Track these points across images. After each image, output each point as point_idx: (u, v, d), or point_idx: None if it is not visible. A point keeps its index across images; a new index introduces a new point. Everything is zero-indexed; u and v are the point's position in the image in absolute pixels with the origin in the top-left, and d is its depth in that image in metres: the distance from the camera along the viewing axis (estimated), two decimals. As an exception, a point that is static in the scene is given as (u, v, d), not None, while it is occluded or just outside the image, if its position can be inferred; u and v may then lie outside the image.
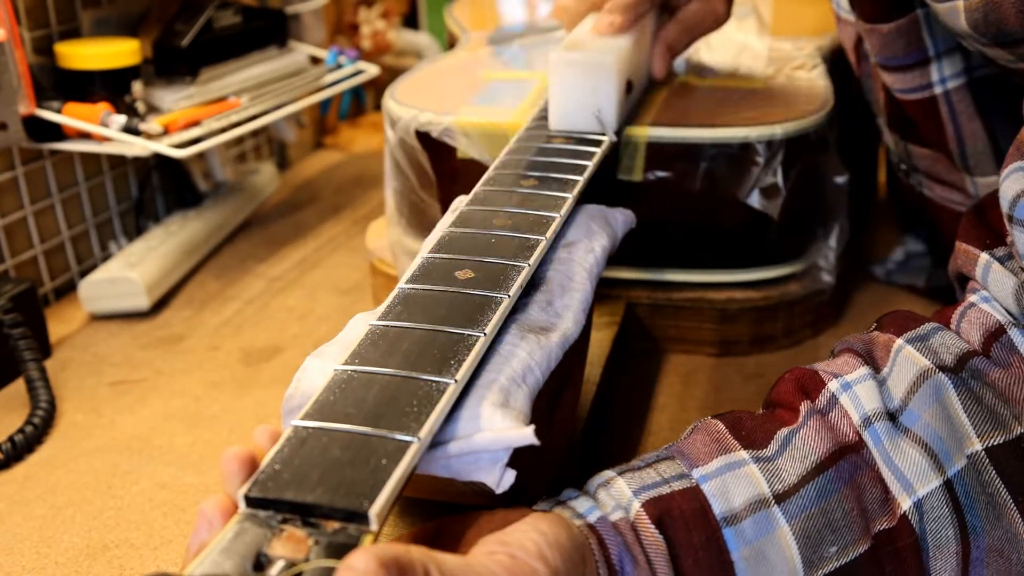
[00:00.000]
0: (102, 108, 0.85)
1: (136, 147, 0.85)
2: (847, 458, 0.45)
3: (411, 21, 1.66)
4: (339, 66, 1.13)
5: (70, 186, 0.94)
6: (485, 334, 0.44)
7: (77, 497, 0.65)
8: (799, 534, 0.44)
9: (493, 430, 0.40)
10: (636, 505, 0.44)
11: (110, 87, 0.88)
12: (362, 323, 0.48)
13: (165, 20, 0.97)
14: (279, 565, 0.33)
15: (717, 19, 0.79)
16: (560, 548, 0.39)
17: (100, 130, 0.85)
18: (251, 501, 0.35)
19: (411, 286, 0.48)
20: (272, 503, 0.35)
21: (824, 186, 0.81)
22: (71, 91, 0.87)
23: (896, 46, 0.70)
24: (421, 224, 0.83)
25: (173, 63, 0.93)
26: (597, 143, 0.66)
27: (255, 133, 1.23)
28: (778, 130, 0.74)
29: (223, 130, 0.93)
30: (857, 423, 0.46)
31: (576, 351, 0.51)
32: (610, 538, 0.43)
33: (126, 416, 0.74)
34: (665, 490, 0.45)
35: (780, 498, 0.44)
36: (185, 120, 0.90)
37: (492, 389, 0.42)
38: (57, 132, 0.86)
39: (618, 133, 0.70)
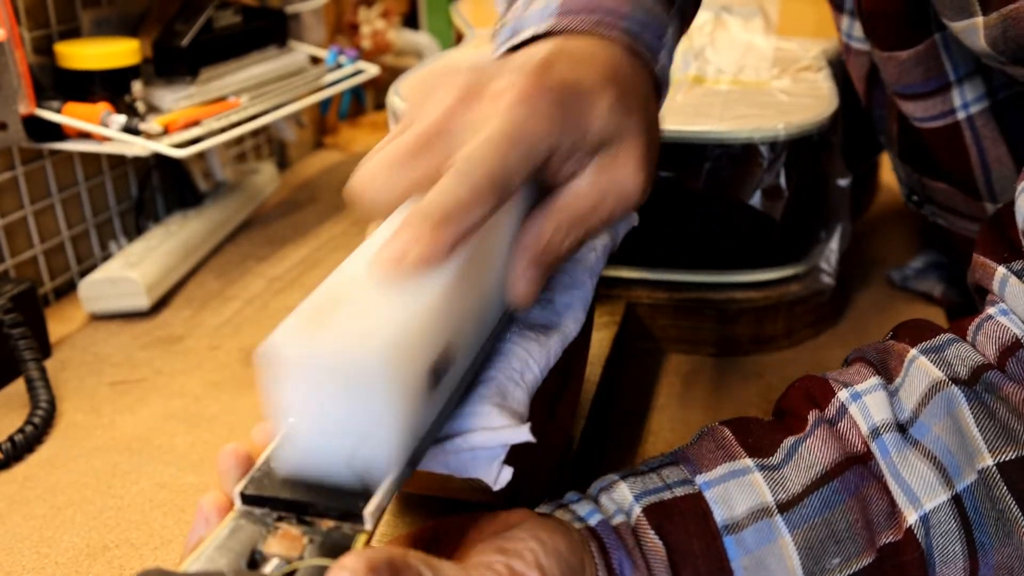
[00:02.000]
0: (102, 108, 0.85)
1: (136, 147, 0.85)
2: (853, 469, 0.45)
3: (411, 21, 1.66)
4: (339, 66, 1.13)
5: (70, 186, 0.94)
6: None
7: (77, 497, 0.64)
8: (801, 545, 0.43)
9: (490, 427, 0.40)
10: (637, 510, 0.44)
11: (110, 87, 0.87)
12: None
13: (165, 20, 0.97)
14: (274, 563, 0.33)
15: (623, 197, 0.45)
16: (558, 556, 0.39)
17: (100, 130, 0.85)
18: (247, 499, 0.35)
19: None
20: (268, 501, 0.35)
21: (827, 188, 0.81)
22: (71, 91, 0.87)
23: (915, 73, 0.68)
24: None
25: (173, 63, 0.93)
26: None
27: (255, 133, 1.23)
28: (781, 131, 0.74)
29: (223, 130, 0.93)
30: (866, 434, 0.46)
31: (576, 349, 0.51)
32: (611, 543, 0.42)
33: (126, 416, 0.74)
34: (667, 496, 0.44)
35: (783, 507, 0.44)
36: (185, 120, 0.90)
37: (490, 387, 0.42)
38: (57, 132, 0.86)
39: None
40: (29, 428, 0.69)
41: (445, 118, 0.42)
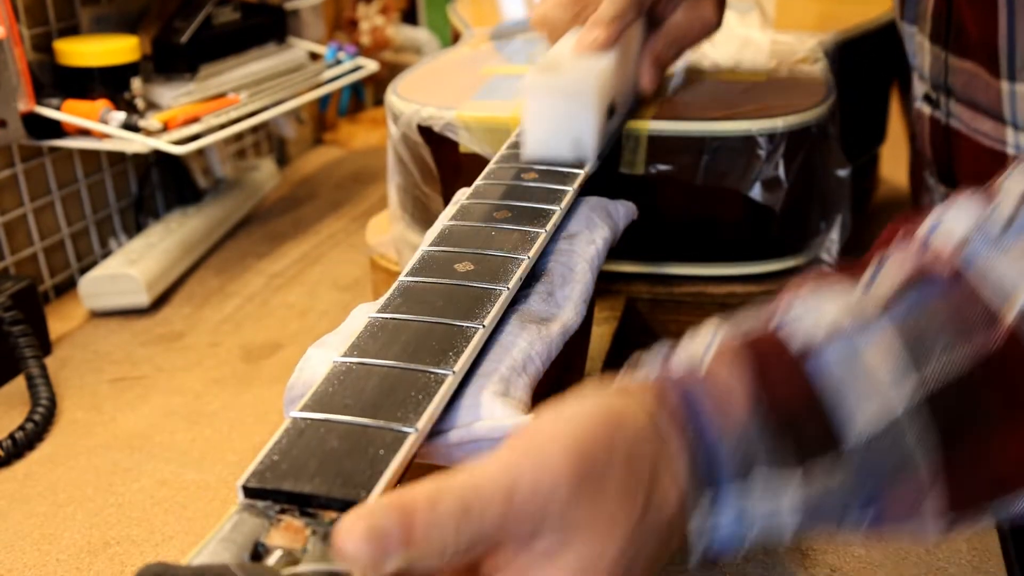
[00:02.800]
0: (101, 105, 0.85)
1: (136, 144, 0.85)
2: (937, 275, 0.40)
3: (410, 17, 1.66)
4: (338, 62, 1.13)
5: (70, 183, 0.94)
6: (484, 326, 0.44)
7: (78, 494, 0.64)
8: (901, 343, 0.39)
9: (493, 419, 0.40)
10: (712, 349, 0.41)
11: (109, 84, 0.87)
12: (363, 314, 0.48)
13: (164, 17, 0.97)
14: (277, 555, 0.33)
15: (706, 26, 0.74)
16: (591, 431, 0.36)
17: (99, 127, 0.85)
18: (249, 491, 0.35)
19: (411, 279, 0.48)
20: (270, 493, 0.35)
21: (826, 179, 0.81)
22: (70, 88, 0.87)
23: None
24: (424, 218, 0.82)
25: (172, 60, 0.93)
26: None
27: (254, 129, 1.23)
28: (779, 123, 0.74)
29: (222, 126, 0.93)
30: (956, 242, 0.41)
31: (577, 342, 0.51)
32: (679, 392, 0.39)
33: (126, 413, 0.74)
34: (741, 335, 0.41)
35: (867, 322, 0.40)
36: (184, 117, 0.90)
37: (492, 378, 0.42)
38: (57, 129, 0.86)
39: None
40: (29, 425, 0.69)
41: None
